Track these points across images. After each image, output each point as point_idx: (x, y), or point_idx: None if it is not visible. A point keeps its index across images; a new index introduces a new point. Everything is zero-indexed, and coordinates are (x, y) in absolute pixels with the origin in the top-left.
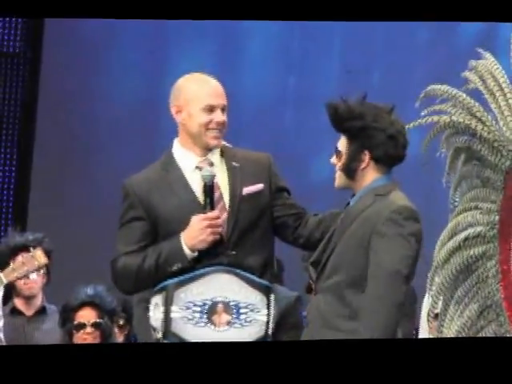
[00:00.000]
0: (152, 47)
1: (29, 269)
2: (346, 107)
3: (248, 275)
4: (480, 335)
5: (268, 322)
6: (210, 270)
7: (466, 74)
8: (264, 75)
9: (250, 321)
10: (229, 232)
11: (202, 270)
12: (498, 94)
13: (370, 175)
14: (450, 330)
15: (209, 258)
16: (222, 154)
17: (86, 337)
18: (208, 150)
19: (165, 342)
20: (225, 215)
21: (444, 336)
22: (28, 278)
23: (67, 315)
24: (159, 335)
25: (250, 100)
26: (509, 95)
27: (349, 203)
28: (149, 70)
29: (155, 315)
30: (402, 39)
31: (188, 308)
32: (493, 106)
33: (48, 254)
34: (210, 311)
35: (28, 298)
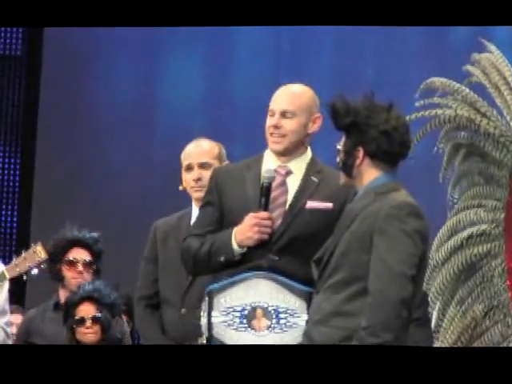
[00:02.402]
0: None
1: (30, 264)
2: (342, 104)
3: (287, 281)
4: (485, 336)
5: None
6: (250, 275)
7: (468, 67)
8: (255, 76)
9: (290, 325)
10: (276, 237)
11: (241, 276)
12: (503, 88)
13: (370, 173)
14: (451, 332)
15: (252, 257)
16: (309, 166)
17: (86, 331)
18: (280, 155)
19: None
20: (280, 221)
21: (442, 337)
22: (26, 273)
23: (69, 311)
24: (204, 340)
25: (241, 102)
26: None
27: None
28: (146, 69)
29: (202, 320)
30: (396, 41)
31: (228, 313)
32: (498, 100)
33: (99, 253)
34: (249, 316)
35: None
